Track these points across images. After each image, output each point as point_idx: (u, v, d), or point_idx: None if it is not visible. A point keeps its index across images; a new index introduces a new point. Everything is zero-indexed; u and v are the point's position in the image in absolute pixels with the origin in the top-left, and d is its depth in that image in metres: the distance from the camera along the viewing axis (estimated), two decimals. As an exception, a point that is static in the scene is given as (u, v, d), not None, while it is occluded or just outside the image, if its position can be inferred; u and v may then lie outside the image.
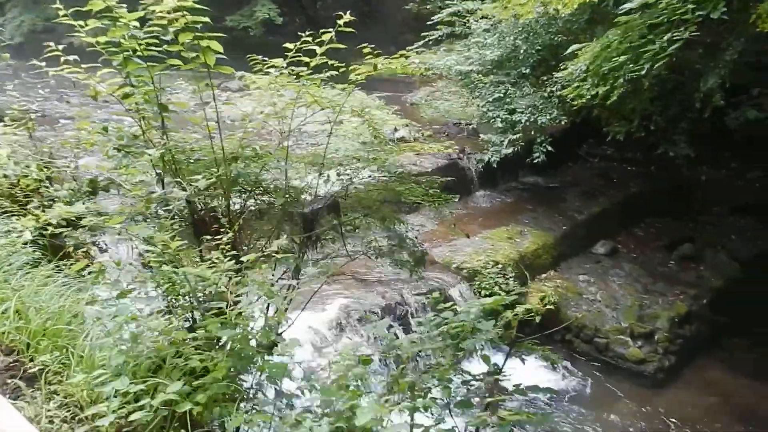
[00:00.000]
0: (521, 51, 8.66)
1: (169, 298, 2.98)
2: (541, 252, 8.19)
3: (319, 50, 3.90)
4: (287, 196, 3.90)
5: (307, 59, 4.11)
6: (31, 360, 2.50)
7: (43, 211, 4.00)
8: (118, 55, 3.77)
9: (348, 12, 3.93)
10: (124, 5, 3.44)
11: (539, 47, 8.56)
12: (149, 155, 3.09)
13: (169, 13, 3.44)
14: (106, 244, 4.82)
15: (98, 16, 3.72)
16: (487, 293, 7.24)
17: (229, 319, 2.56)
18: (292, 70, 4.10)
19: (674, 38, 5.06)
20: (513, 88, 8.70)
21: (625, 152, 10.99)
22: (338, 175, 4.09)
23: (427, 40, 10.90)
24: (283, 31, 18.86)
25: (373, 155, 4.20)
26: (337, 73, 4.48)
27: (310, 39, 4.07)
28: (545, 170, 10.17)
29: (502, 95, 8.71)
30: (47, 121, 11.84)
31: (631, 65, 5.66)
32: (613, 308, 7.46)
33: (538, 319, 3.09)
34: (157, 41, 3.64)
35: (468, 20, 11.20)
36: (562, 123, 8.25)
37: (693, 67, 6.68)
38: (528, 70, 8.70)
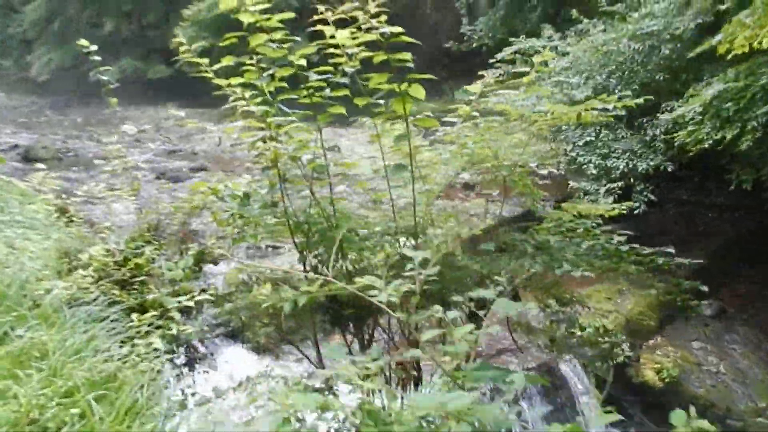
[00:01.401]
0: (615, 91, 7.88)
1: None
2: (645, 314, 7.29)
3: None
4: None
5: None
6: None
7: (161, 303, 3.14)
8: (258, 98, 2.98)
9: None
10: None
11: (636, 87, 7.79)
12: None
13: (346, 47, 2.61)
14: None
15: (239, 54, 2.93)
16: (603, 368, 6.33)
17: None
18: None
19: None
20: (605, 131, 7.92)
21: (705, 197, 10.18)
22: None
23: (485, 78, 10.20)
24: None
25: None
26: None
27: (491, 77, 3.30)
28: (623, 219, 9.34)
29: (593, 139, 7.93)
30: (81, 162, 11.04)
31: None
32: (742, 382, 6.53)
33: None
34: (324, 84, 2.82)
35: (532, 59, 10.53)
36: (669, 170, 7.44)
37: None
38: (623, 112, 7.92)
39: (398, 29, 2.43)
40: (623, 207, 3.91)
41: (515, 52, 10.73)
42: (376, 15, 2.52)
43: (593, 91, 8.15)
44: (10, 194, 6.37)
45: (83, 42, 3.06)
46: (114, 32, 23.58)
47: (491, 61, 10.67)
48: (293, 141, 2.89)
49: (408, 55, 2.47)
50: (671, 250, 3.30)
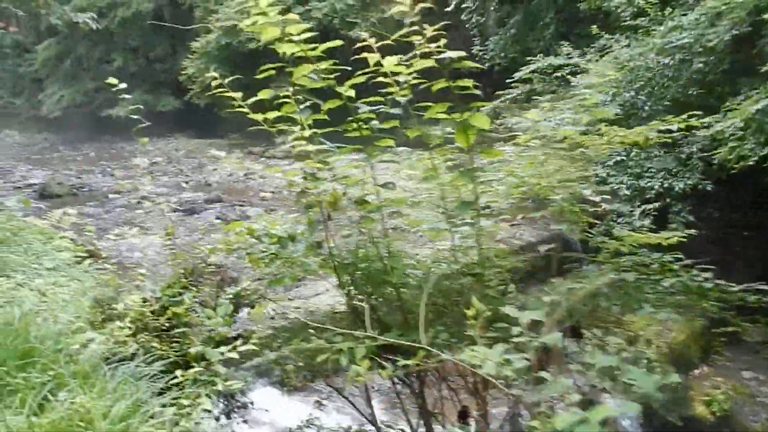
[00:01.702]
0: (645, 108, 7.65)
1: None
2: (689, 342, 6.96)
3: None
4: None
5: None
6: None
7: (204, 355, 2.92)
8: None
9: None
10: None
11: (667, 102, 7.55)
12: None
13: (397, 75, 2.41)
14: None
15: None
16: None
17: None
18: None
19: None
20: (636, 149, 7.67)
21: (741, 216, 9.83)
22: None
23: (503, 99, 10.05)
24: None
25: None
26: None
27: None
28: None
29: (623, 158, 7.68)
30: (95, 197, 10.91)
31: None
32: (800, 414, 6.18)
33: None
34: (373, 116, 2.61)
35: (552, 77, 10.38)
36: (708, 189, 7.19)
37: None
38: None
39: (460, 53, 2.22)
40: (683, 235, 3.62)
41: (533, 71, 10.55)
42: (435, 39, 2.32)
43: (621, 108, 7.93)
44: (31, 234, 6.20)
45: (112, 80, 2.88)
46: (123, 67, 23.75)
47: (508, 80, 10.50)
48: (347, 180, 2.68)
49: (470, 82, 2.25)
50: (765, 287, 3.00)
